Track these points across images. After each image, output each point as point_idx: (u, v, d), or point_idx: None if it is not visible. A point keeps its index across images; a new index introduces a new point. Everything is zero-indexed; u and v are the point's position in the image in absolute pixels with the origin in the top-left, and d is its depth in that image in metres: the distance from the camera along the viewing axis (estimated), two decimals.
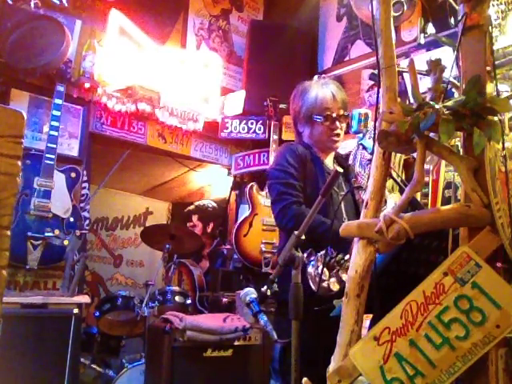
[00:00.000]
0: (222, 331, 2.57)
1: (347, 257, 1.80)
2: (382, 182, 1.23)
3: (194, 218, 4.67)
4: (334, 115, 2.11)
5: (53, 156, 3.21)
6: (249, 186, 4.02)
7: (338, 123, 2.13)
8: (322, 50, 4.39)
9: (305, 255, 1.64)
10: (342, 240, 1.80)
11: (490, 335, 1.05)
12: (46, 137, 3.25)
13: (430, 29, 2.66)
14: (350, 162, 2.22)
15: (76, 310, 2.72)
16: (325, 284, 1.71)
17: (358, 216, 2.08)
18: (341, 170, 1.55)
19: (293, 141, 2.33)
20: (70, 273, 3.05)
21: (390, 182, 2.00)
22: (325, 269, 1.75)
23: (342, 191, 2.13)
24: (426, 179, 2.90)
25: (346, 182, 2.18)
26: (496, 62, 1.22)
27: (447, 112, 1.11)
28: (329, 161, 2.20)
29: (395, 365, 1.08)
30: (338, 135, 2.14)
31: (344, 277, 1.74)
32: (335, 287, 1.73)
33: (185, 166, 4.84)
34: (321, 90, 2.15)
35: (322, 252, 1.82)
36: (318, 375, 1.24)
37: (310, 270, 1.77)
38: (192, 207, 4.78)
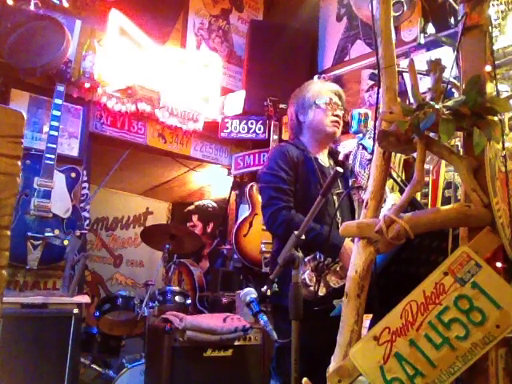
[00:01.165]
0: (222, 331, 2.57)
1: (337, 259, 1.81)
2: (381, 182, 1.23)
3: (194, 218, 4.68)
4: (337, 103, 2.17)
5: (53, 156, 3.21)
6: (249, 185, 4.02)
7: (339, 111, 2.16)
8: (322, 50, 4.39)
9: None
10: (332, 246, 1.81)
11: (489, 335, 1.05)
12: (46, 137, 3.25)
13: (430, 29, 2.65)
14: (350, 161, 2.22)
15: (76, 310, 2.72)
16: (311, 288, 1.72)
17: (353, 216, 2.11)
18: (341, 170, 1.55)
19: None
20: (70, 273, 3.05)
21: (390, 182, 2.00)
22: (312, 273, 1.75)
23: (338, 189, 2.13)
24: (426, 179, 2.90)
25: (341, 178, 2.17)
26: (496, 62, 1.22)
27: (447, 112, 1.11)
28: (323, 157, 2.20)
29: (395, 365, 1.08)
30: (338, 122, 2.16)
31: (331, 281, 1.75)
32: (322, 291, 1.73)
33: (185, 165, 4.84)
34: (325, 84, 2.25)
35: (310, 256, 1.83)
36: (318, 375, 1.24)
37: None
38: (192, 207, 4.78)
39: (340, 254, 1.82)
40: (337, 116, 2.15)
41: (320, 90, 2.18)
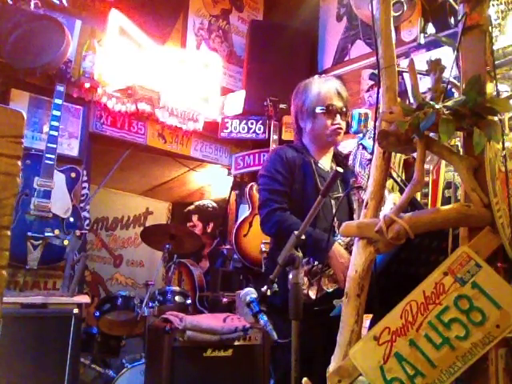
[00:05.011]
0: (222, 331, 2.57)
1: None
2: (381, 182, 1.23)
3: (194, 218, 4.67)
4: (336, 108, 2.12)
5: (53, 156, 3.20)
6: (249, 186, 4.02)
7: (339, 117, 2.13)
8: (321, 50, 4.39)
9: None
10: (320, 250, 1.82)
11: (489, 335, 1.05)
12: (46, 137, 3.25)
13: (430, 29, 2.66)
14: (350, 161, 2.21)
15: (76, 310, 2.72)
16: (304, 291, 1.72)
17: (351, 218, 2.10)
18: (341, 170, 1.54)
19: (292, 141, 2.33)
20: (70, 273, 3.05)
21: (390, 182, 1.99)
22: (305, 277, 1.75)
23: (337, 193, 2.12)
24: (426, 179, 2.90)
25: (342, 182, 2.16)
26: (496, 62, 1.22)
27: (447, 112, 1.11)
28: (325, 161, 2.18)
29: (395, 365, 1.08)
30: (339, 129, 2.13)
31: (325, 285, 1.75)
32: (313, 294, 1.73)
33: (185, 165, 4.84)
34: (324, 84, 2.17)
35: (303, 260, 1.82)
36: (317, 375, 1.24)
37: (291, 277, 1.78)
38: (192, 207, 4.78)
39: (329, 259, 1.83)
40: (337, 124, 2.12)
41: (319, 93, 2.13)
